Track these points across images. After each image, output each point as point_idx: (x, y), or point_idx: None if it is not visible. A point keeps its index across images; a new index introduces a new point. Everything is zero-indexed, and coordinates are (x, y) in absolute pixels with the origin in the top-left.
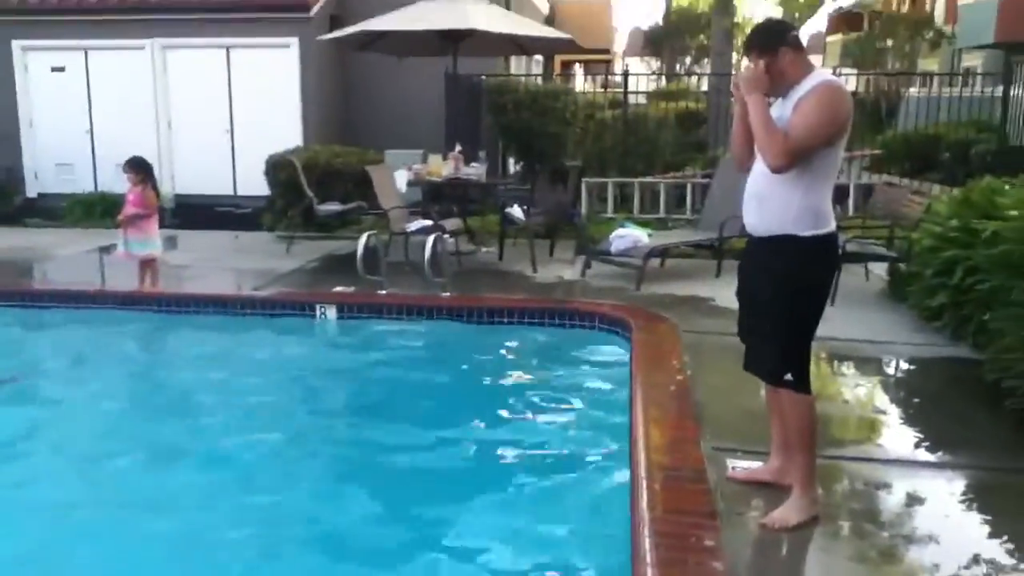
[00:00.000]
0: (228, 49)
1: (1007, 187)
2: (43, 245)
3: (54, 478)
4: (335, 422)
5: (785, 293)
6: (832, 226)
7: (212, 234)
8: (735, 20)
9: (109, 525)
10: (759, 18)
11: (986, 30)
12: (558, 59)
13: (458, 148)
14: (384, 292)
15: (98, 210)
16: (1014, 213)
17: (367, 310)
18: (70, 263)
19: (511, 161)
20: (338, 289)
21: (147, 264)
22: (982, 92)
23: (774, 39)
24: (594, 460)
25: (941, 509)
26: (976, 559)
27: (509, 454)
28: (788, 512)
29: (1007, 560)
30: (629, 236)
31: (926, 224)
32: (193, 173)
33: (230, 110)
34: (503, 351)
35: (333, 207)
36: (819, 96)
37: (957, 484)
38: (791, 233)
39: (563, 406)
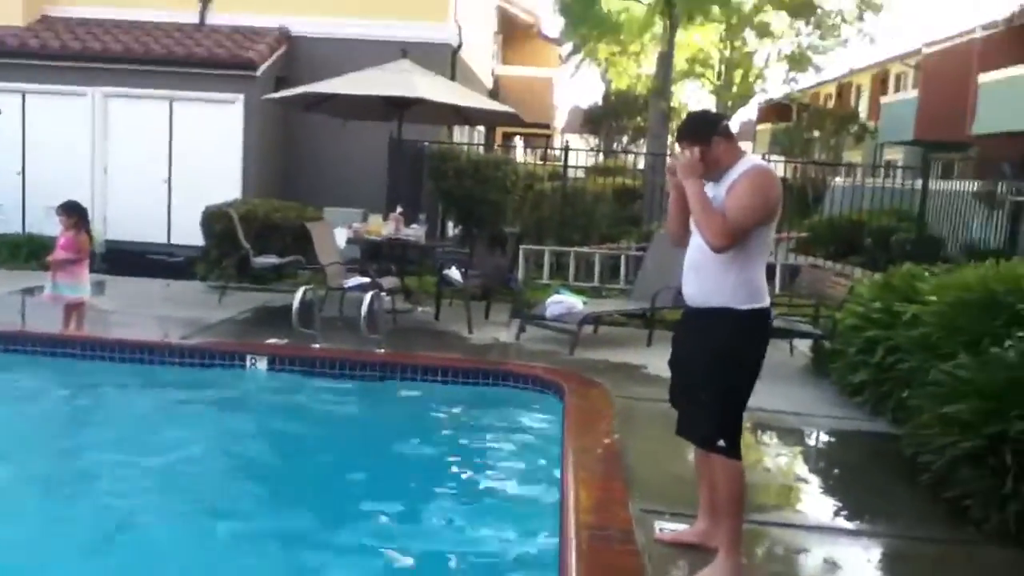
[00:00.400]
0: (172, 101)
1: (926, 274)
2: None
3: None
4: (255, 481)
5: (721, 363)
6: (767, 301)
7: (142, 281)
8: (671, 104)
9: None
10: (694, 104)
11: (906, 128)
12: (499, 130)
13: (399, 209)
14: (317, 346)
15: (23, 252)
16: (933, 298)
17: (299, 363)
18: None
19: (450, 225)
20: (271, 341)
21: (74, 308)
22: (902, 184)
23: (707, 129)
24: (524, 520)
25: (858, 574)
26: None
27: (439, 510)
28: (714, 574)
29: None
30: (564, 302)
31: (850, 305)
32: (127, 219)
33: (169, 160)
34: (436, 410)
35: (270, 260)
36: (751, 179)
37: (874, 551)
38: (728, 306)
39: (495, 465)
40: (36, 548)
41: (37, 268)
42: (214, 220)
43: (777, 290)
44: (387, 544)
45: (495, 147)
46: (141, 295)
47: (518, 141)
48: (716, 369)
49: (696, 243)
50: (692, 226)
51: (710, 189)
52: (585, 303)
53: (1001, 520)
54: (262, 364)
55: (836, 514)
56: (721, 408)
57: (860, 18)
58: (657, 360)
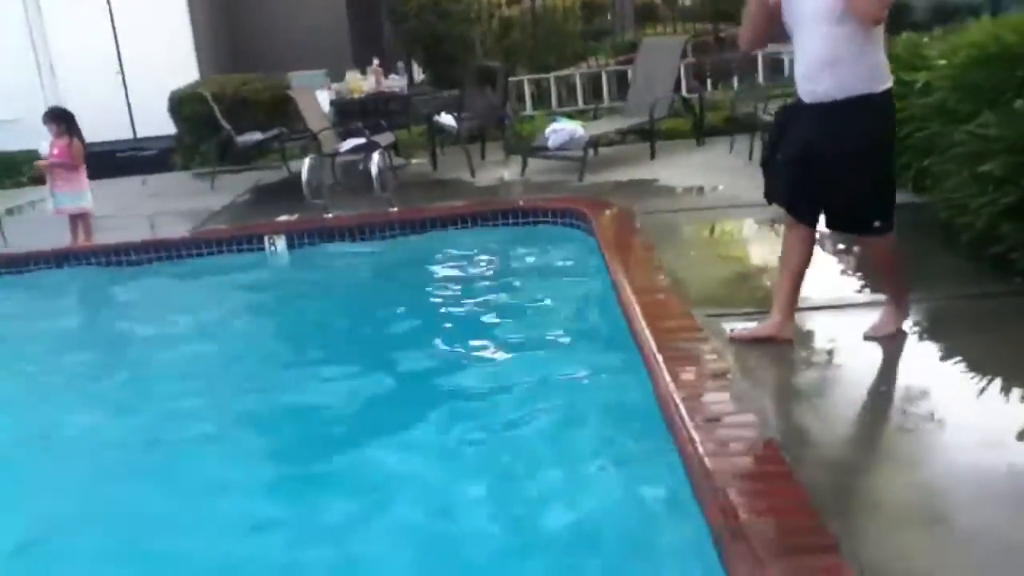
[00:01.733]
0: None
1: (925, 40)
2: None
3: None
4: (321, 346)
5: (873, 149)
6: (891, 82)
7: (120, 182)
8: None
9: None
10: None
11: None
12: None
13: (376, 61)
14: (332, 215)
15: None
16: (942, 63)
17: (320, 236)
18: None
19: (416, 69)
20: (283, 218)
21: (79, 218)
22: None
23: None
24: (596, 346)
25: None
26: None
27: (512, 351)
28: (888, 322)
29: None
30: (564, 130)
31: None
32: (86, 121)
33: (117, 50)
34: (472, 258)
35: (253, 137)
36: None
37: (930, 312)
38: (869, 91)
39: (547, 301)
40: (106, 426)
41: (13, 186)
42: (183, 105)
43: (761, 79)
44: (467, 379)
45: None
46: (127, 196)
47: None
48: (869, 156)
49: (823, 33)
50: (806, 19)
51: None
52: (584, 127)
53: None
54: (281, 242)
55: (876, 288)
56: (878, 191)
57: None
58: (664, 171)
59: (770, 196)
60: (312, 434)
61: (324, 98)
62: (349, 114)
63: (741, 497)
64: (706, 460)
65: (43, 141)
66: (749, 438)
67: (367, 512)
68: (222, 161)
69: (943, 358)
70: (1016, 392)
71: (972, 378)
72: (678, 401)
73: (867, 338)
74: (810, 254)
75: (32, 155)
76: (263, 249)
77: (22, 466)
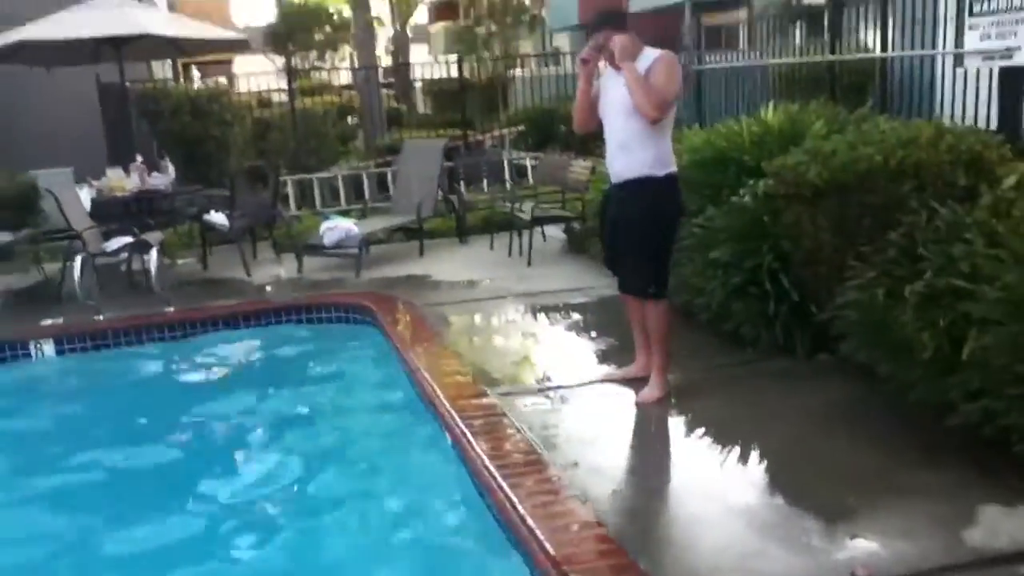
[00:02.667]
0: None
1: None
2: None
3: None
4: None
5: (651, 222)
6: (675, 167)
7: None
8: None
9: None
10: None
11: (570, 14)
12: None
13: (139, 159)
14: (103, 317)
15: None
16: (684, 160)
17: (91, 339)
18: None
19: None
20: (48, 322)
21: None
22: (572, 71)
23: (622, 18)
24: (401, 437)
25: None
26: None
27: (314, 443)
28: (653, 390)
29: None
30: (339, 228)
31: (596, 184)
32: None
33: None
34: (257, 355)
35: (3, 238)
36: (667, 63)
37: (672, 385)
38: (650, 174)
39: (340, 393)
40: None
41: None
42: None
43: (508, 185)
44: (261, 502)
45: (179, 79)
46: None
47: (195, 71)
48: (648, 229)
49: (620, 125)
50: (610, 111)
51: (612, 76)
52: (357, 225)
53: (770, 337)
54: (48, 347)
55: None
56: (654, 261)
57: None
58: (435, 267)
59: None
60: (66, 542)
61: (85, 196)
62: (112, 213)
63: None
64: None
65: None
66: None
67: None
68: None
69: (692, 423)
70: (753, 453)
71: (717, 440)
72: (493, 470)
73: (637, 404)
74: (639, 307)
75: None
76: (29, 355)
77: None
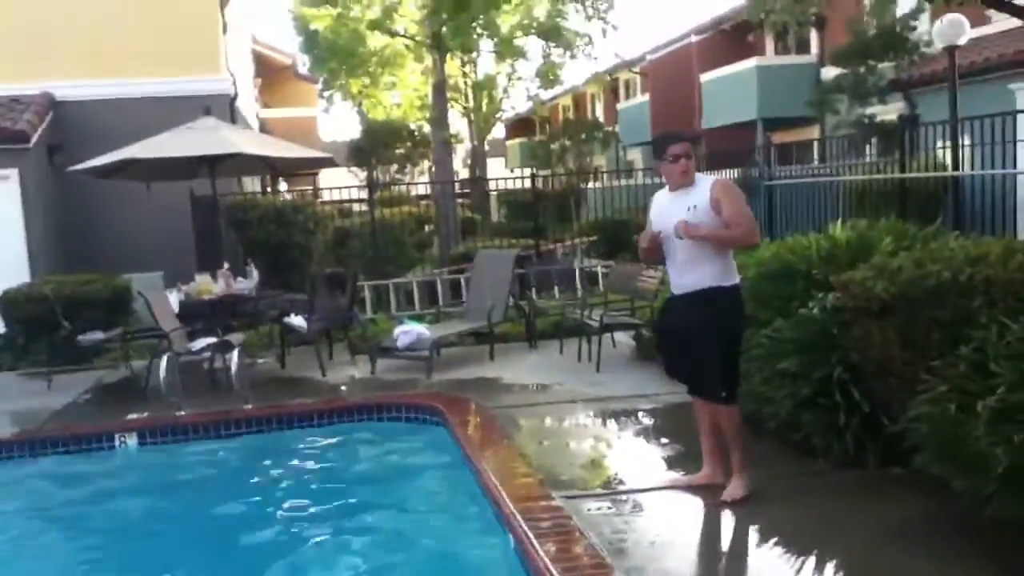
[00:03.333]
0: None
1: None
2: None
3: None
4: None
5: (723, 328)
6: (738, 278)
7: None
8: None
9: None
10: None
11: (643, 129)
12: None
13: (226, 265)
14: (185, 412)
15: None
16: (751, 273)
17: (175, 433)
18: None
19: (253, 274)
20: (132, 416)
21: None
22: (644, 182)
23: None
24: (465, 536)
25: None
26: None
27: (379, 540)
28: (736, 489)
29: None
30: (412, 331)
31: (663, 293)
32: None
33: None
34: (332, 452)
35: (96, 336)
36: (728, 190)
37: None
38: (720, 284)
39: (411, 493)
40: None
41: None
42: (16, 304)
43: (579, 292)
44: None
45: (268, 191)
46: None
47: (282, 183)
48: (718, 335)
49: (686, 245)
50: (671, 238)
51: (670, 197)
52: (429, 329)
53: (841, 448)
54: (132, 440)
55: (700, 471)
56: (724, 367)
57: (603, 35)
58: (505, 371)
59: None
60: None
61: (174, 299)
62: (197, 315)
63: None
64: None
65: None
66: None
67: None
68: (56, 361)
69: (762, 533)
70: (826, 567)
71: (787, 551)
72: (555, 573)
73: (722, 503)
74: (710, 413)
75: None
76: (114, 447)
77: None
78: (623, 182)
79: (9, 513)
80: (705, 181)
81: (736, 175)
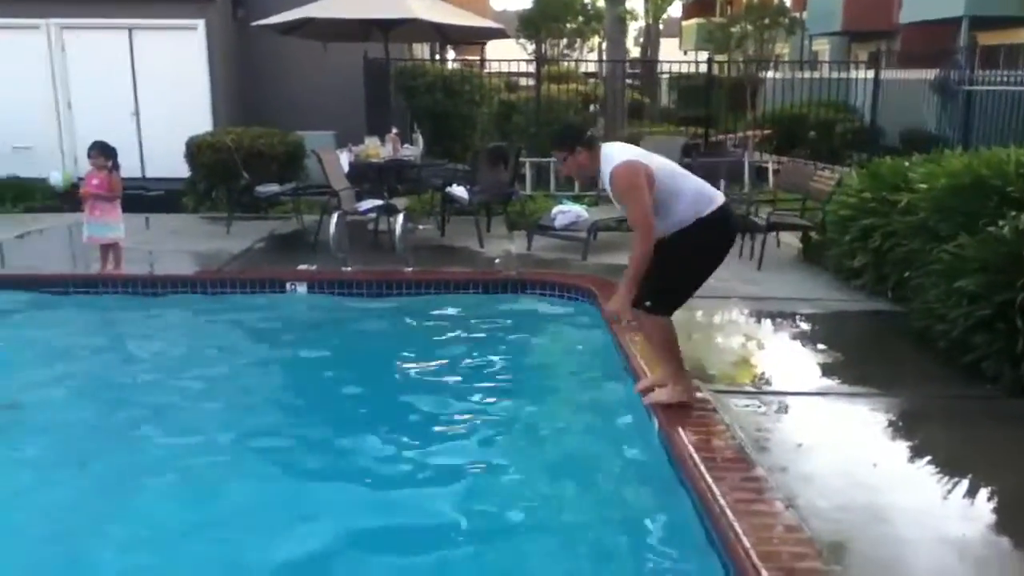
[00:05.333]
0: (131, 30)
1: (906, 164)
2: None
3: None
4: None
5: (672, 248)
6: (708, 212)
7: (128, 217)
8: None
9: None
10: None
11: (833, 18)
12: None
13: (394, 130)
14: (349, 268)
15: (9, 196)
16: (923, 186)
17: (340, 287)
18: (14, 248)
19: (419, 140)
20: (302, 267)
21: (110, 248)
22: (831, 75)
23: (573, 139)
24: (609, 417)
25: (891, 428)
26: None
27: (520, 408)
28: (663, 394)
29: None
30: (571, 211)
31: (839, 196)
32: None
33: (135, 92)
34: (488, 321)
35: (271, 188)
36: (615, 182)
37: (900, 410)
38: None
39: (555, 366)
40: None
41: (24, 211)
42: (200, 151)
43: (746, 187)
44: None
45: (445, 60)
46: (143, 232)
47: (450, 52)
48: (670, 254)
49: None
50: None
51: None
52: (588, 211)
53: (1015, 377)
54: (302, 289)
55: (857, 381)
56: (662, 284)
57: None
58: None
59: None
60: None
61: (344, 160)
62: (364, 177)
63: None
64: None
65: (53, 171)
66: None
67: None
68: (234, 208)
69: (917, 449)
70: (980, 491)
71: (939, 473)
72: (698, 461)
73: (645, 405)
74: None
75: (41, 183)
76: (284, 293)
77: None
78: (806, 74)
79: (183, 344)
80: (607, 167)
81: (932, 77)
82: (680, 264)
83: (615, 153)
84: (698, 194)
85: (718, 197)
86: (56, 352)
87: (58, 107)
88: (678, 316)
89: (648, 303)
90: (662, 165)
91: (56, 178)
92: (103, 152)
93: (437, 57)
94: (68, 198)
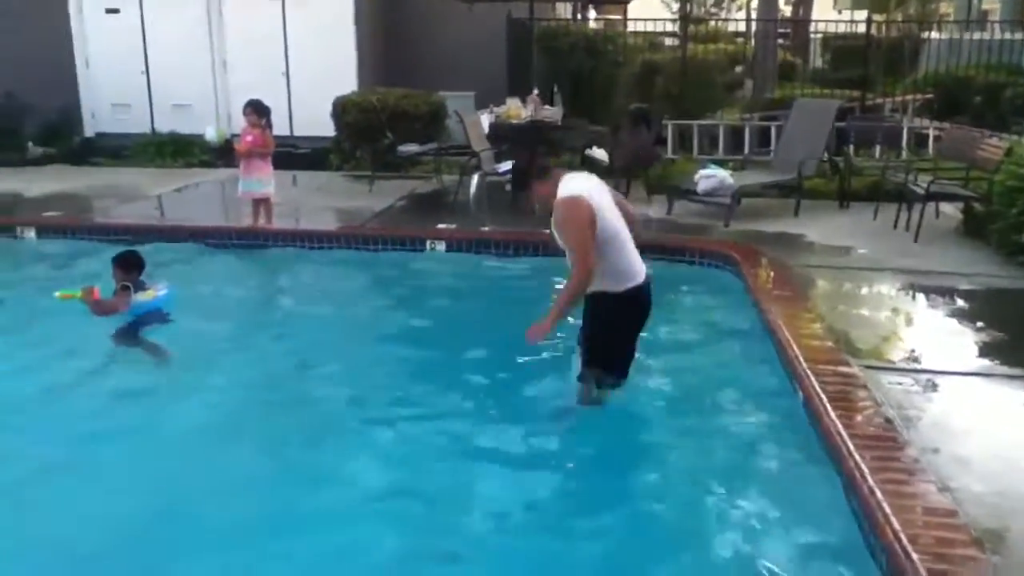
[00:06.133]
0: None
1: None
2: (128, 184)
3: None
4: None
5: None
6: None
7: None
8: None
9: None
10: None
11: None
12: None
13: (535, 91)
14: (487, 228)
15: (169, 150)
16: None
17: (478, 246)
18: (174, 201)
19: (560, 102)
20: (441, 226)
21: (261, 203)
22: (1002, 37)
23: (526, 176)
24: (750, 386)
25: None
26: None
27: (659, 376)
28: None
29: None
30: (715, 176)
31: (1008, 166)
32: None
33: (285, 52)
34: None
35: (411, 148)
36: (557, 218)
37: None
38: (599, 291)
39: (697, 335)
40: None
41: (183, 166)
42: (346, 110)
43: (904, 154)
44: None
45: (587, 19)
46: (292, 187)
47: (591, 11)
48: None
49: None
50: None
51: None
52: (732, 176)
53: None
54: (441, 247)
55: (1019, 363)
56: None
57: None
58: (810, 229)
59: None
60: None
61: (485, 120)
62: (504, 138)
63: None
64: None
65: (208, 127)
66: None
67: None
68: (377, 167)
69: None
70: None
71: None
72: (846, 438)
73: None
74: None
75: (198, 139)
76: (424, 251)
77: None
78: (973, 35)
79: (325, 295)
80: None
81: None
82: (596, 333)
83: (566, 184)
84: (629, 266)
85: (641, 275)
86: (213, 302)
87: (214, 67)
88: (824, 286)
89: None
90: (610, 218)
91: (211, 134)
92: (257, 110)
93: (579, 17)
94: (222, 154)
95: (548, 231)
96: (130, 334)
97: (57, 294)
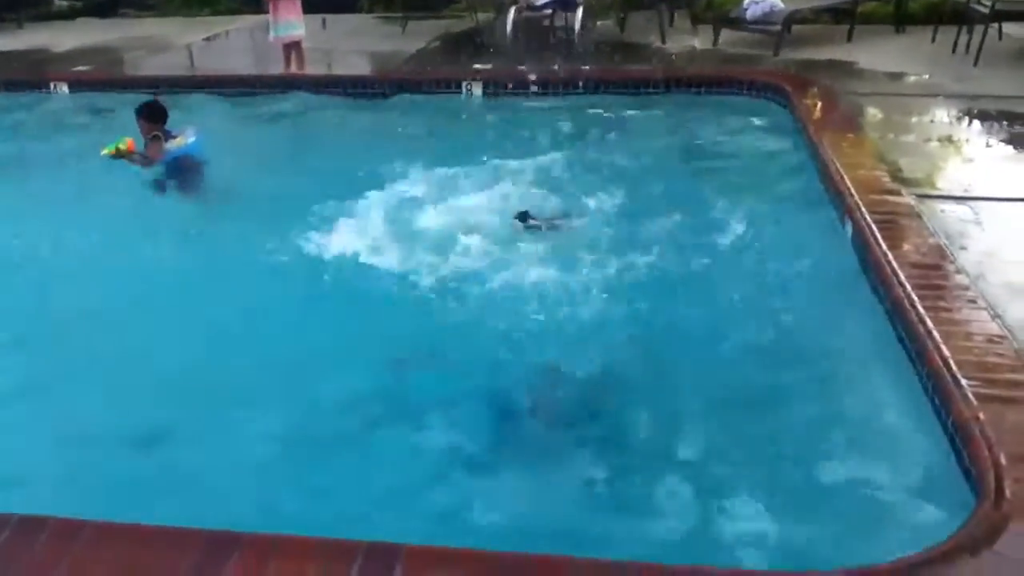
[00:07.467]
0: None
1: None
2: (157, 35)
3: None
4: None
5: None
6: None
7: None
8: None
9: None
10: None
11: None
12: None
13: None
14: (524, 67)
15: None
16: None
17: (516, 86)
18: (205, 50)
19: None
20: (477, 67)
21: (292, 48)
22: None
23: None
24: (800, 219)
25: None
26: None
27: (707, 206)
28: None
29: None
30: (765, 2)
31: None
32: None
33: None
34: (671, 120)
35: None
36: None
37: None
38: None
39: (741, 165)
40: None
41: (211, 14)
42: None
43: None
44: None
45: None
46: (322, 32)
47: None
48: None
49: None
50: None
51: None
52: (783, 1)
53: None
54: (477, 89)
55: None
56: None
57: None
58: (863, 55)
59: None
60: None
61: None
62: None
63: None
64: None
65: None
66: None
67: None
68: (409, 7)
69: None
70: None
71: None
72: (895, 266)
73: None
74: None
75: None
76: (459, 93)
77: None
78: None
79: (360, 140)
80: None
81: None
82: None
83: None
84: None
85: None
86: (257, 149)
87: None
88: (876, 114)
89: None
90: None
91: None
92: None
93: None
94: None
95: (584, 68)
96: (167, 180)
97: (104, 151)
